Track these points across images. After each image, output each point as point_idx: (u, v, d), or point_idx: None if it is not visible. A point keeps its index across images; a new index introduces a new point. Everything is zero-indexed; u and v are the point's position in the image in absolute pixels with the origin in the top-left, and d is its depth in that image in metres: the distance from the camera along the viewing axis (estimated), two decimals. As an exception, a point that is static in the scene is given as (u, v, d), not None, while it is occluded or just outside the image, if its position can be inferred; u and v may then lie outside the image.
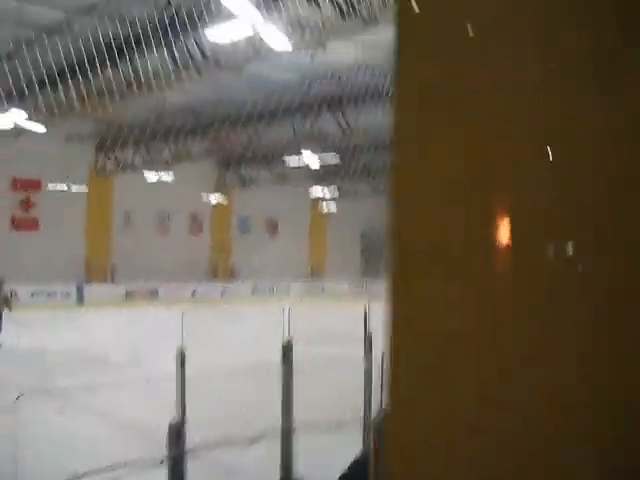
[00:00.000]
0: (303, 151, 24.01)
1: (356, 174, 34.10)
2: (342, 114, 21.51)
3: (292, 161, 25.17)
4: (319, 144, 24.48)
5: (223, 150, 28.49)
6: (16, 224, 29.22)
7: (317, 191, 35.81)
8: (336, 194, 37.12)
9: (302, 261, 38.96)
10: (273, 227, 38.43)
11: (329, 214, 39.68)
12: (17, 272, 26.29)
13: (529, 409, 1.10)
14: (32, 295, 26.50)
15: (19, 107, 18.52)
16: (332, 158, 27.85)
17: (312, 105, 21.11)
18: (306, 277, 38.15)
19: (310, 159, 24.09)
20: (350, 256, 41.52)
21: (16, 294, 14.71)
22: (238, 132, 24.47)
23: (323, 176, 34.58)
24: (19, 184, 29.11)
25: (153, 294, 30.03)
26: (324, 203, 38.75)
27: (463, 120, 1.17)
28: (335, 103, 20.77)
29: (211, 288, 32.41)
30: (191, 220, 34.99)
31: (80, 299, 27.99)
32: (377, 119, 20.42)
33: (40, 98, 18.08)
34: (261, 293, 31.72)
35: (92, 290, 28.55)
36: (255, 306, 26.79)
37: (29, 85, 17.13)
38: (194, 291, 30.97)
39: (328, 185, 35.54)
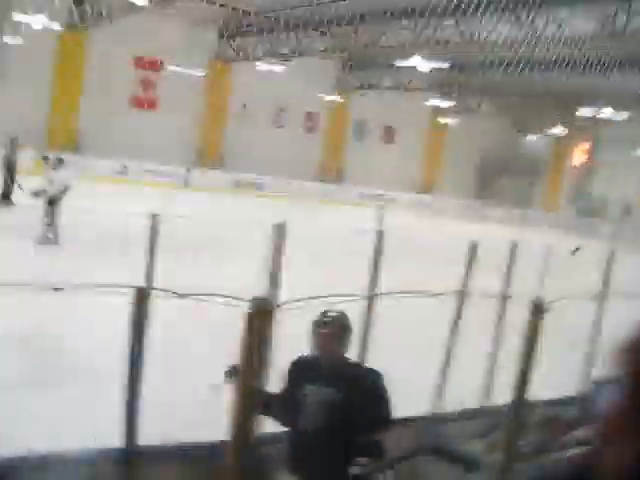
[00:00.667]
0: (420, 57, 23.03)
1: (479, 91, 32.87)
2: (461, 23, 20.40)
3: (410, 65, 24.27)
4: (439, 51, 23.46)
5: (345, 48, 27.72)
6: (135, 101, 29.67)
7: (437, 103, 34.66)
8: (456, 109, 35.87)
9: (414, 173, 38.28)
10: (388, 135, 37.75)
11: (447, 129, 38.53)
12: (130, 148, 26.92)
13: None
14: (144, 171, 27.21)
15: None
16: (452, 68, 26.72)
17: (435, 9, 19.94)
18: (416, 190, 37.56)
19: (427, 65, 23.14)
20: (465, 175, 40.58)
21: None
22: (362, 31, 23.69)
23: (444, 88, 33.41)
24: (141, 62, 29.39)
25: (259, 186, 30.12)
26: (443, 117, 37.55)
27: None
28: (459, 11, 19.42)
29: (317, 187, 32.28)
30: (306, 118, 34.68)
31: (187, 182, 28.33)
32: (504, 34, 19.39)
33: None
34: (367, 199, 31.21)
35: (199, 175, 28.83)
36: (358, 210, 26.38)
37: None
38: (299, 187, 30.82)
39: (449, 98, 34.36)
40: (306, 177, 32.61)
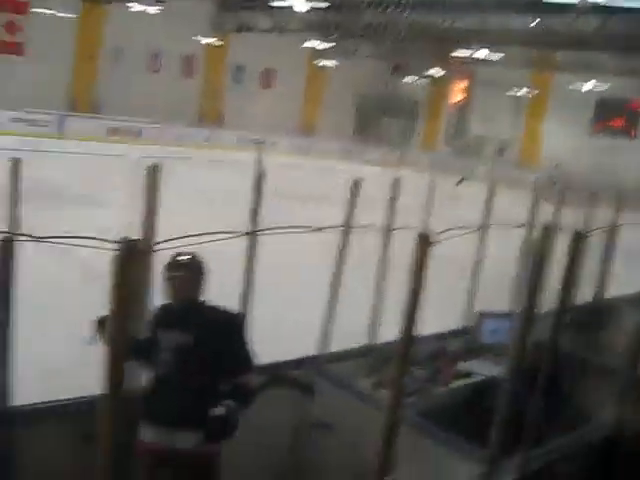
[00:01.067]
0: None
1: (357, 32, 32.71)
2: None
3: (288, 5, 23.95)
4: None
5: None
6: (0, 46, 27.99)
7: (315, 45, 34.45)
8: (335, 51, 35.81)
9: (294, 117, 38.04)
10: (267, 78, 37.23)
11: (326, 71, 38.42)
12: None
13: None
14: (12, 121, 25.87)
15: None
16: (330, 8, 26.60)
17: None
18: (297, 133, 37.37)
19: (305, 5, 23.02)
20: (345, 118, 40.64)
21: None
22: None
23: (323, 30, 33.14)
24: (4, 4, 27.67)
25: (137, 132, 29.25)
26: (322, 60, 37.46)
27: None
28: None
29: (197, 133, 31.65)
30: (184, 61, 33.71)
31: (61, 129, 27.20)
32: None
33: None
34: (247, 144, 30.76)
35: (74, 122, 27.71)
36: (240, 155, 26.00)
37: None
38: (179, 134, 30.14)
39: (327, 40, 34.15)
40: (185, 122, 31.86)
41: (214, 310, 3.96)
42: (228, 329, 3.91)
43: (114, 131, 28.75)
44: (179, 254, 3.88)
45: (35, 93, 27.06)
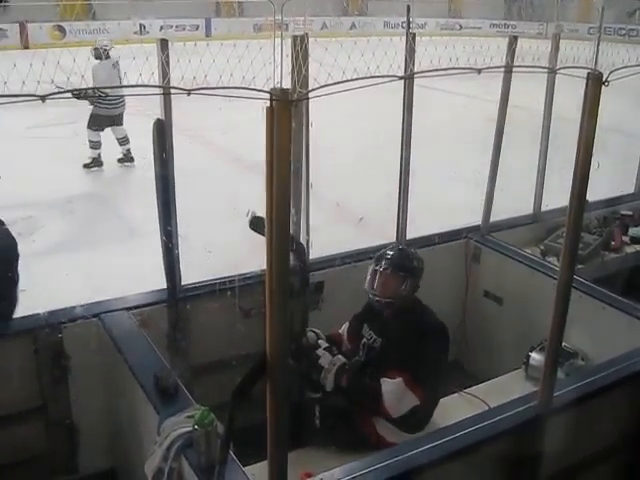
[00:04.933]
0: None
1: None
2: None
3: None
4: None
5: None
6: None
7: None
8: None
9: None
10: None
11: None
12: (147, 7, 25.91)
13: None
14: (161, 28, 26.35)
15: None
16: None
17: None
18: (444, 13, 35.92)
19: None
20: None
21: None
22: None
23: None
24: None
25: (283, 27, 29.11)
26: None
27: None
28: None
29: (341, 21, 31.15)
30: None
31: (208, 31, 27.50)
32: None
33: None
34: (395, 28, 29.94)
35: (220, 23, 27.93)
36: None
37: None
38: (323, 24, 29.78)
39: None
40: (330, 12, 31.33)
41: (421, 315, 3.45)
42: (414, 335, 3.32)
43: (260, 27, 28.76)
44: (392, 246, 3.57)
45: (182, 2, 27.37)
